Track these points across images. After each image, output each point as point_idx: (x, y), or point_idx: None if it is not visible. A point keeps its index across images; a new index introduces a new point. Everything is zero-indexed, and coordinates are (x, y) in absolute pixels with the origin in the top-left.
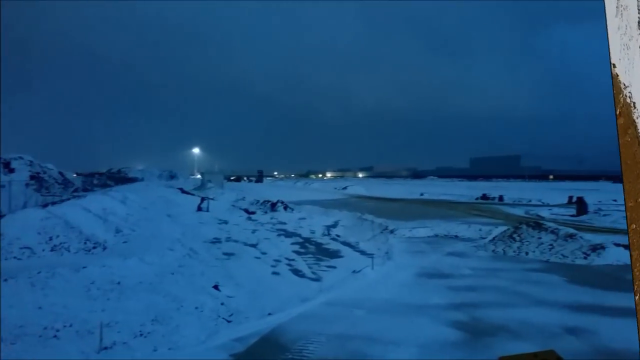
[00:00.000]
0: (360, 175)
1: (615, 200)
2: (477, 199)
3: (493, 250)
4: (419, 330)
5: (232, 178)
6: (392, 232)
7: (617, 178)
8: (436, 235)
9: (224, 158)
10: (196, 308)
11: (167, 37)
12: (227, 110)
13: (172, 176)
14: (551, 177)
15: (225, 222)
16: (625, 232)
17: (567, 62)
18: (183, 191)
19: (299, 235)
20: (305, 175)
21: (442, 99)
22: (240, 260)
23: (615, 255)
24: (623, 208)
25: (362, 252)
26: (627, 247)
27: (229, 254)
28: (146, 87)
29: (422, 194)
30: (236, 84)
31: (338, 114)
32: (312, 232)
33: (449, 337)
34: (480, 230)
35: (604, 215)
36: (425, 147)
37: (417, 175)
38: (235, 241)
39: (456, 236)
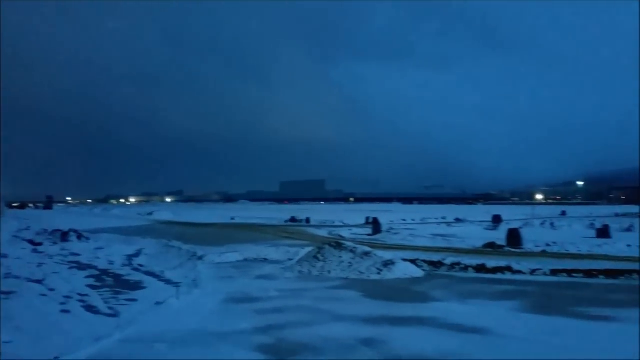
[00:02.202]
0: (168, 199)
1: (404, 220)
2: (286, 221)
3: (299, 271)
4: (223, 358)
5: (14, 205)
6: (200, 258)
7: (407, 200)
8: (246, 260)
9: (4, 182)
10: None
11: None
12: (9, 131)
13: None
14: (352, 199)
15: (5, 257)
16: (410, 247)
17: (358, 93)
18: None
19: (95, 267)
20: (105, 200)
21: (252, 125)
22: (22, 299)
23: (403, 270)
24: (411, 226)
25: (168, 282)
26: (412, 261)
27: (7, 293)
28: None
29: (233, 218)
30: (21, 104)
31: (143, 136)
32: (111, 262)
33: None
34: (288, 252)
35: (395, 233)
36: (236, 171)
37: (229, 199)
38: (17, 277)
39: (265, 259)
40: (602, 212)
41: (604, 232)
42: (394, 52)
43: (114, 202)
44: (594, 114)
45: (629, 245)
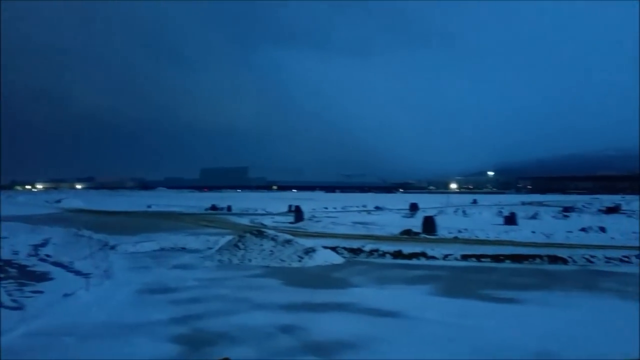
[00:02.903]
0: (78, 186)
1: (326, 208)
2: (206, 209)
3: (219, 260)
4: (135, 350)
5: None
6: (113, 248)
7: (329, 188)
8: (162, 249)
9: None
10: None
11: None
12: None
13: None
14: (275, 187)
15: None
16: (331, 235)
17: (281, 81)
18: None
19: None
20: (9, 187)
21: (171, 108)
22: None
23: (324, 257)
24: (332, 214)
25: (77, 273)
26: (333, 249)
27: None
28: None
29: (149, 206)
30: None
31: (51, 117)
32: (15, 253)
33: (168, 353)
34: (208, 240)
35: (317, 221)
36: (154, 157)
37: (145, 186)
38: None
39: (183, 248)
40: (510, 200)
41: (510, 220)
42: (313, 40)
43: (19, 188)
44: (505, 108)
45: (533, 232)
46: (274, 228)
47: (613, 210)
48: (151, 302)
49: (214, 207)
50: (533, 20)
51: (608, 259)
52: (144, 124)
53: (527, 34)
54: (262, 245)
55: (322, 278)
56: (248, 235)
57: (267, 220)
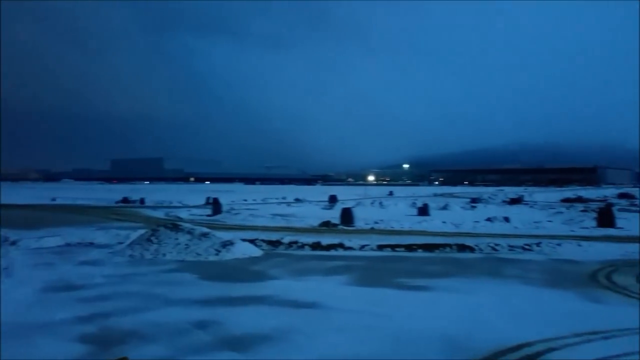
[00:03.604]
0: None
1: (245, 200)
2: (117, 202)
3: (130, 255)
4: (37, 351)
5: None
6: (13, 243)
7: (249, 180)
8: (68, 244)
9: None
10: None
11: None
12: None
13: None
14: (192, 179)
15: None
16: (250, 227)
17: (198, 70)
18: None
19: None
20: None
21: (80, 97)
22: None
23: (242, 250)
24: (252, 206)
25: None
26: (251, 241)
27: None
28: None
29: (54, 199)
30: None
31: None
32: None
33: (74, 353)
34: (118, 235)
35: (235, 213)
36: (60, 147)
37: (50, 177)
38: None
39: (91, 243)
40: (424, 192)
41: (423, 211)
42: (231, 30)
43: None
44: (421, 104)
45: (444, 222)
46: (191, 221)
47: (516, 201)
48: (55, 301)
49: (125, 200)
50: (448, 17)
51: (511, 247)
52: (49, 112)
53: (444, 31)
54: (177, 239)
55: (240, 271)
56: (162, 228)
57: (184, 213)
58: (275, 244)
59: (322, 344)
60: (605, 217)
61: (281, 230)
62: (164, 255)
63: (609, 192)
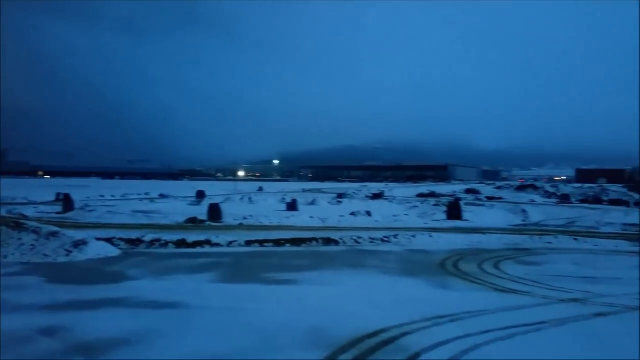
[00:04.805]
0: None
1: (102, 196)
2: None
3: None
4: None
5: None
6: None
7: (107, 175)
8: None
9: None
10: None
11: None
12: None
13: None
14: (41, 173)
15: None
16: (107, 225)
17: (44, 52)
18: None
19: None
20: None
21: None
22: None
23: (97, 249)
24: (109, 203)
25: None
26: (108, 240)
27: None
28: None
29: None
30: None
31: None
32: None
33: None
34: None
35: (90, 210)
36: None
37: None
38: None
39: None
40: (293, 188)
41: (292, 206)
42: (82, 11)
43: None
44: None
45: (311, 217)
46: (38, 219)
47: (378, 196)
48: None
49: None
50: (319, 16)
51: (372, 239)
52: None
53: (313, 30)
54: (21, 239)
55: (94, 273)
56: (4, 227)
57: (30, 211)
58: (135, 242)
59: (183, 345)
60: (454, 211)
61: (143, 227)
62: (6, 257)
63: (457, 187)
